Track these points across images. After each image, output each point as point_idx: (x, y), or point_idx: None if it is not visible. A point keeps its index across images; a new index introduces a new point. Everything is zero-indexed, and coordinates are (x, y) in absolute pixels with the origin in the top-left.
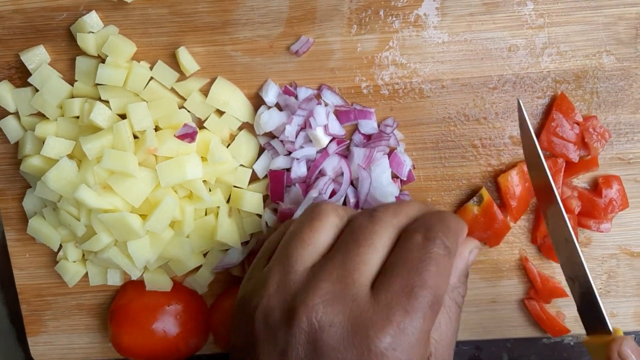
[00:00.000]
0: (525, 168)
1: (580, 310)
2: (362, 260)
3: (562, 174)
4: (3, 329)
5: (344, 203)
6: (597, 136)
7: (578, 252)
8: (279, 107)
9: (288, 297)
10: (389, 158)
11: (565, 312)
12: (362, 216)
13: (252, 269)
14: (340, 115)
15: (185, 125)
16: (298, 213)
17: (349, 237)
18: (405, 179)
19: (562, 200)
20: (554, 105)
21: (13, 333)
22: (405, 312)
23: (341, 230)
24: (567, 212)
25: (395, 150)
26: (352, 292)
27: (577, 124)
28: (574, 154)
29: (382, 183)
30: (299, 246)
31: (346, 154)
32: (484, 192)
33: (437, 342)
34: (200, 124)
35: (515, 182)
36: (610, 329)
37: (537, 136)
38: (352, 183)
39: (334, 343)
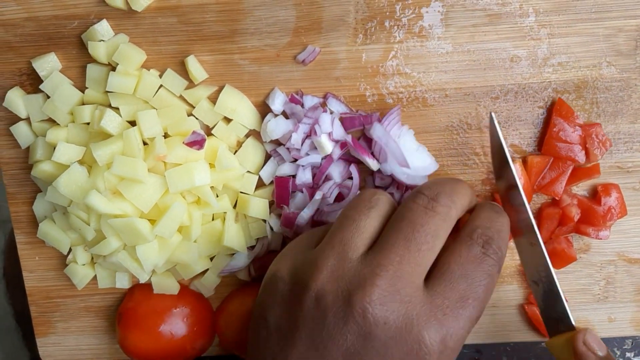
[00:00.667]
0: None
1: (544, 313)
2: (420, 262)
3: (566, 176)
4: (9, 328)
5: None
6: (598, 143)
7: (544, 253)
8: (285, 115)
9: (343, 284)
10: None
11: None
12: (421, 207)
13: (292, 248)
14: (345, 121)
15: (193, 132)
16: (304, 215)
17: (408, 232)
18: None
19: (562, 208)
20: (554, 111)
21: (19, 332)
22: (456, 320)
23: (388, 218)
24: (567, 220)
25: None
26: (408, 292)
27: (580, 126)
28: (581, 155)
29: (409, 149)
30: (355, 233)
31: (353, 160)
32: None
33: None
34: (208, 131)
35: None
36: (574, 324)
37: (540, 145)
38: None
39: (385, 339)
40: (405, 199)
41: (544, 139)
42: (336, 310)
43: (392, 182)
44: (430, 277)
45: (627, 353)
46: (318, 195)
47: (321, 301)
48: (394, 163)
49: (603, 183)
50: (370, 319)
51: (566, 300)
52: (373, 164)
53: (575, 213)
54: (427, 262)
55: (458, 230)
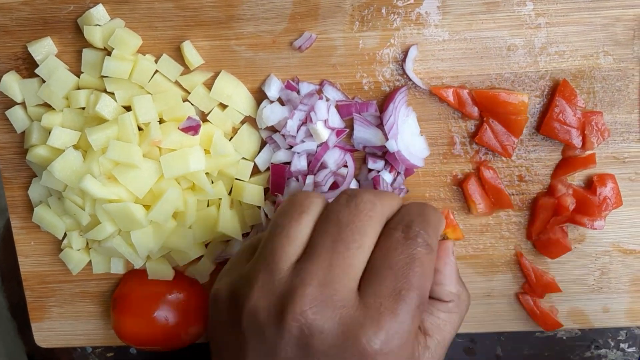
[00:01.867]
0: (485, 172)
1: None
2: (350, 263)
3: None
4: (3, 320)
5: None
6: (596, 132)
7: None
8: (281, 101)
9: (274, 298)
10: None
11: (559, 307)
12: (344, 206)
13: (233, 262)
14: (341, 109)
15: (189, 118)
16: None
17: (334, 233)
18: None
19: (557, 198)
20: (557, 91)
21: (13, 325)
22: (394, 316)
23: (318, 217)
24: (562, 210)
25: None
26: (341, 297)
27: (581, 111)
28: (577, 140)
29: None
30: (284, 243)
31: (349, 148)
32: (449, 234)
33: (439, 342)
34: (204, 117)
35: (475, 189)
36: None
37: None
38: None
39: (324, 348)
40: (330, 203)
41: (544, 120)
42: (271, 326)
43: (385, 165)
44: (362, 278)
45: (621, 344)
46: (309, 180)
47: (256, 318)
48: (402, 139)
49: (599, 173)
50: (305, 330)
51: None
52: (380, 138)
53: (570, 203)
54: (358, 262)
55: None
